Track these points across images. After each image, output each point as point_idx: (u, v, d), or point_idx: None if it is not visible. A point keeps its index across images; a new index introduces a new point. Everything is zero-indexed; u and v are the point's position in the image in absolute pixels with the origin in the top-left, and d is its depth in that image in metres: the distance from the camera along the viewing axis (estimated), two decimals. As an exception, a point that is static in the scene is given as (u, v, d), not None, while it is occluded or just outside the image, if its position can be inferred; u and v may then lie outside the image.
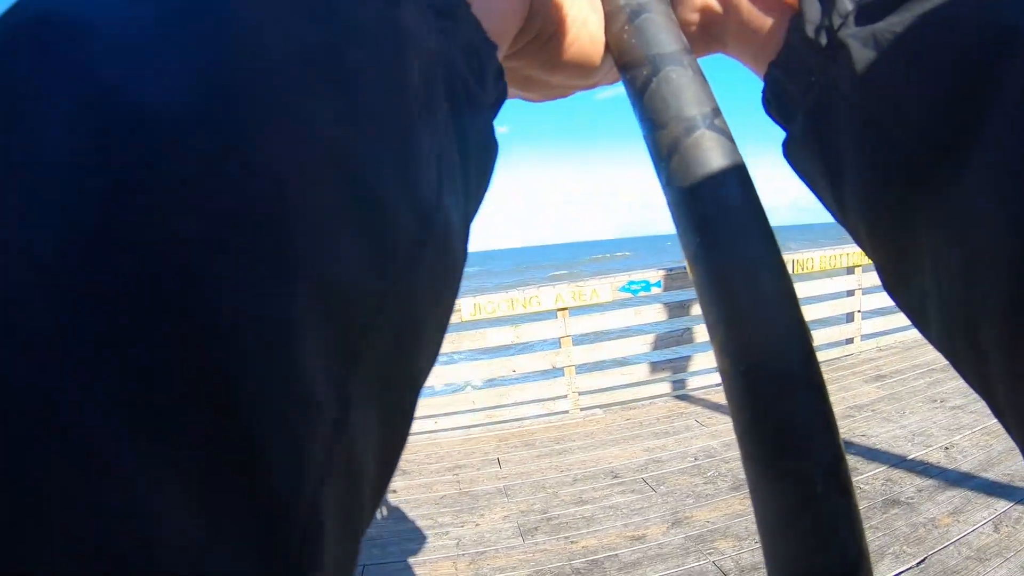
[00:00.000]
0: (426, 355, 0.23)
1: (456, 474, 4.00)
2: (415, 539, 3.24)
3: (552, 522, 3.21)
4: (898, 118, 0.23)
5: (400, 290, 0.19)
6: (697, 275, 0.29)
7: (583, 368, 5.17)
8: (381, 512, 3.64)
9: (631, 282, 5.01)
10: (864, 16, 0.25)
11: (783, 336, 0.27)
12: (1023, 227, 0.19)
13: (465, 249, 0.24)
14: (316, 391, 0.15)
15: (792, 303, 0.28)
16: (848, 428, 3.78)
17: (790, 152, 0.31)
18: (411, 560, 3.02)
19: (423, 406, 4.92)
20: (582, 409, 5.00)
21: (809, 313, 4.71)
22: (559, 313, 5.00)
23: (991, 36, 0.21)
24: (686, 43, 0.32)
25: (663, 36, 0.32)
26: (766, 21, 0.31)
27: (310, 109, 0.16)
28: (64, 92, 0.13)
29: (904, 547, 2.50)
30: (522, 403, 5.06)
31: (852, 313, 5.43)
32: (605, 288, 5.01)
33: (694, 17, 0.34)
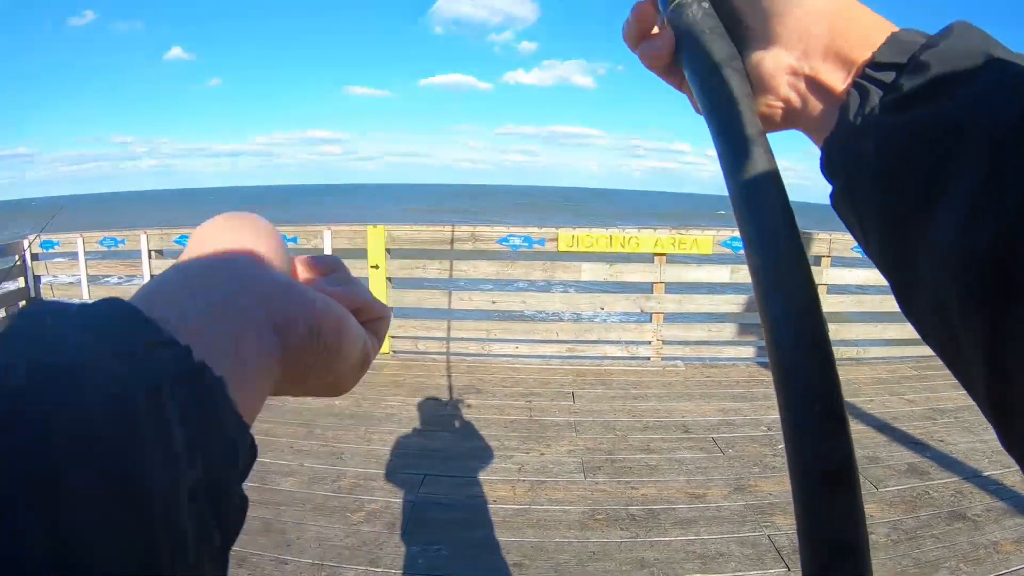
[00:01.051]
0: None
1: (529, 401, 4.32)
2: (479, 457, 3.56)
3: (616, 464, 3.45)
4: (898, 183, 0.37)
5: None
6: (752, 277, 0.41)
7: (671, 318, 5.34)
8: (452, 424, 4.04)
9: (734, 238, 5.05)
10: (885, 110, 0.39)
11: (803, 343, 0.36)
12: (966, 246, 0.31)
13: None
14: None
15: (817, 318, 0.37)
16: (926, 430, 3.83)
17: (835, 203, 0.43)
18: (471, 477, 3.34)
19: (505, 329, 5.25)
20: (663, 359, 5.20)
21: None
22: (656, 258, 5.13)
23: (948, 129, 0.34)
24: (760, 128, 0.44)
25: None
26: (824, 109, 0.44)
27: None
28: None
29: (961, 564, 2.56)
30: (605, 342, 5.30)
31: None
32: (707, 240, 5.09)
33: (776, 107, 0.47)
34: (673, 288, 5.31)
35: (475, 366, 5.07)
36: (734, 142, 0.43)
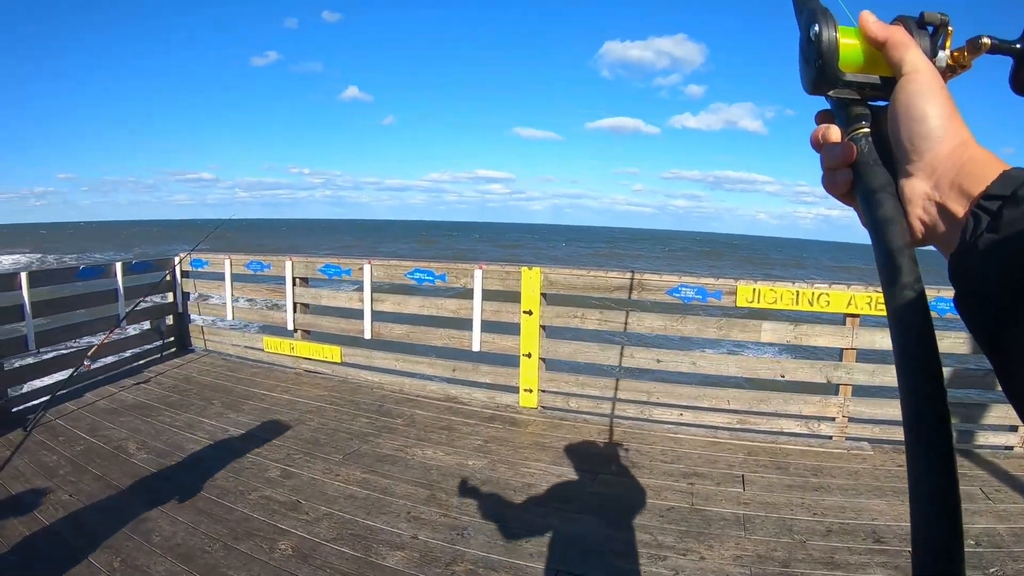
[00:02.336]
0: None
1: (691, 483, 3.98)
2: (625, 554, 3.21)
3: (793, 580, 3.00)
4: (989, 298, 0.50)
5: None
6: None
7: (861, 390, 4.84)
8: (598, 505, 3.80)
9: (939, 299, 4.58)
10: (990, 233, 0.51)
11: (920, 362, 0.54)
12: None
13: None
14: None
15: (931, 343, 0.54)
16: None
17: (956, 305, 0.55)
18: (614, 580, 2.99)
19: (669, 392, 4.99)
20: (848, 439, 4.72)
21: None
22: (848, 320, 4.69)
23: None
24: (908, 241, 0.60)
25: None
26: (951, 230, 0.58)
27: None
28: None
29: None
30: (782, 415, 4.87)
31: None
32: None
33: (917, 226, 0.62)
34: (866, 356, 4.88)
35: (632, 432, 4.79)
36: (890, 252, 0.59)
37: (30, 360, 5.80)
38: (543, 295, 5.15)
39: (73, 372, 4.37)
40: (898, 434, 4.75)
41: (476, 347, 5.42)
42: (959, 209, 0.57)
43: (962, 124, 0.61)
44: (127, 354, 6.78)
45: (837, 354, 4.81)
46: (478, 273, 5.35)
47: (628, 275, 5.00)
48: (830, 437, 4.80)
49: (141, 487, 3.87)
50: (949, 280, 0.55)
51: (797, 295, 4.69)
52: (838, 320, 4.77)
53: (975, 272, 0.52)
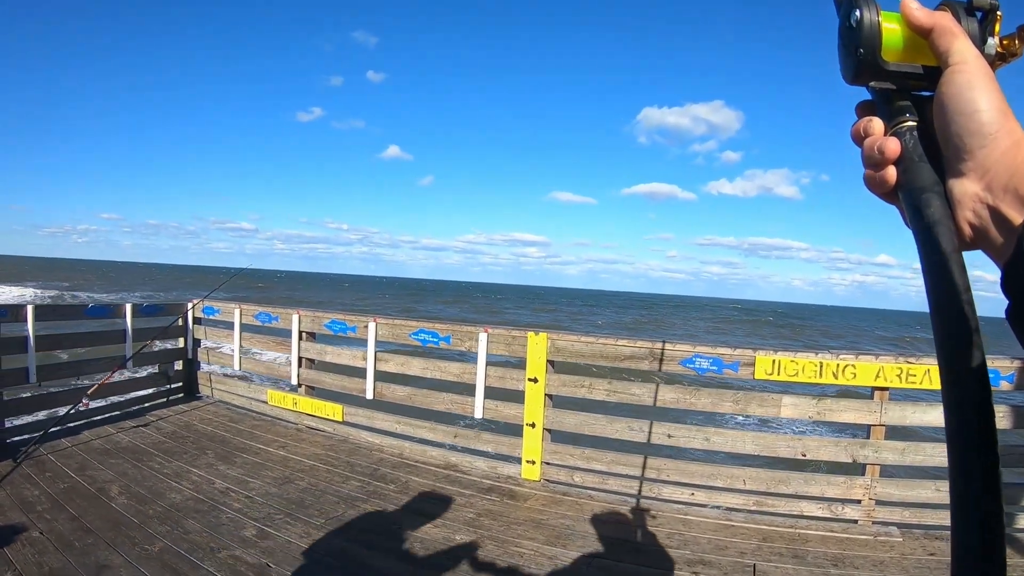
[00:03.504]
0: None
1: (696, 573, 3.70)
2: None
3: None
4: None
5: None
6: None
7: (889, 471, 4.57)
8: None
9: None
10: None
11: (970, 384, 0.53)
12: None
13: None
14: None
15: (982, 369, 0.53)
16: None
17: (1010, 318, 0.52)
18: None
19: (680, 470, 4.74)
20: (875, 523, 4.42)
21: None
22: (877, 393, 4.42)
23: None
24: (956, 245, 0.57)
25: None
26: (1005, 236, 0.56)
27: None
28: None
29: None
30: (803, 497, 4.59)
31: None
32: None
33: (965, 229, 0.59)
34: (896, 433, 4.58)
35: (638, 511, 4.53)
36: (936, 257, 0.56)
37: (30, 393, 5.80)
38: (550, 362, 4.98)
39: (70, 409, 4.38)
40: (930, 518, 4.47)
41: (479, 414, 5.25)
42: (1015, 215, 0.54)
43: (1015, 120, 0.57)
44: (132, 396, 6.81)
45: (865, 431, 4.54)
46: (483, 336, 5.19)
47: (639, 344, 4.80)
48: (855, 521, 4.50)
49: (113, 532, 3.79)
50: (1002, 290, 0.52)
51: (821, 367, 4.45)
52: (866, 394, 4.50)
53: None
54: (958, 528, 0.50)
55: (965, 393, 0.52)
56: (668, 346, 4.76)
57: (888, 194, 0.64)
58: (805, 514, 4.57)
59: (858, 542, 4.22)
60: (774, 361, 4.50)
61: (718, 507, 4.69)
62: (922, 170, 0.60)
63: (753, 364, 4.55)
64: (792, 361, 4.48)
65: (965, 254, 0.58)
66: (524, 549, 3.91)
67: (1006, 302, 0.51)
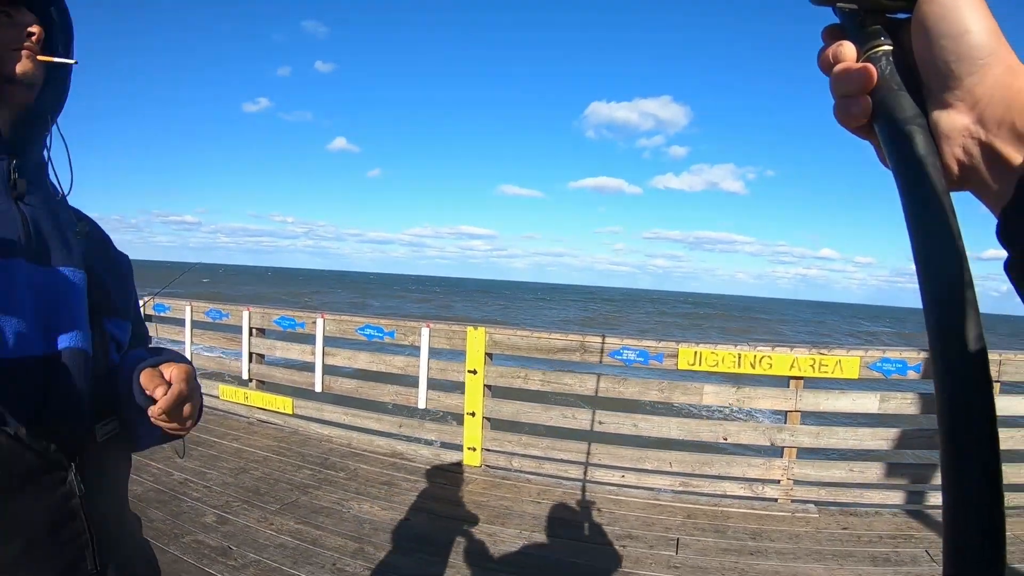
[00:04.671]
0: None
1: (623, 546, 4.03)
2: None
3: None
4: None
5: None
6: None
7: (806, 453, 4.92)
8: (525, 568, 3.80)
9: (885, 360, 4.65)
10: None
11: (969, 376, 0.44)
12: None
13: None
14: None
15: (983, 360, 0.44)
16: None
17: (1009, 270, 0.46)
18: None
19: (611, 454, 5.06)
20: (793, 501, 4.78)
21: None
22: (792, 382, 4.77)
23: None
24: (945, 187, 0.49)
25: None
26: (1000, 177, 0.48)
27: None
28: None
29: None
30: (725, 478, 4.94)
31: None
32: (853, 362, 4.67)
33: (952, 167, 0.52)
34: (811, 418, 4.94)
35: (572, 493, 4.85)
36: (920, 197, 0.49)
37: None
38: (488, 355, 5.24)
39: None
40: (845, 496, 4.83)
41: (422, 404, 5.49)
42: (1013, 154, 0.48)
43: (1007, 44, 0.50)
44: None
45: (782, 417, 4.90)
46: (425, 331, 5.45)
47: (570, 337, 5.10)
48: (775, 500, 4.85)
49: None
50: (998, 240, 0.47)
51: (739, 358, 4.79)
52: (783, 383, 4.85)
53: None
54: (955, 538, 0.43)
55: (962, 373, 0.44)
56: (597, 339, 5.09)
57: (862, 128, 0.56)
58: (728, 493, 4.92)
59: (776, 518, 4.58)
60: (696, 352, 4.83)
61: (647, 488, 5.02)
62: (902, 100, 0.53)
63: (677, 355, 4.87)
64: (712, 352, 4.82)
65: None
66: (466, 528, 4.20)
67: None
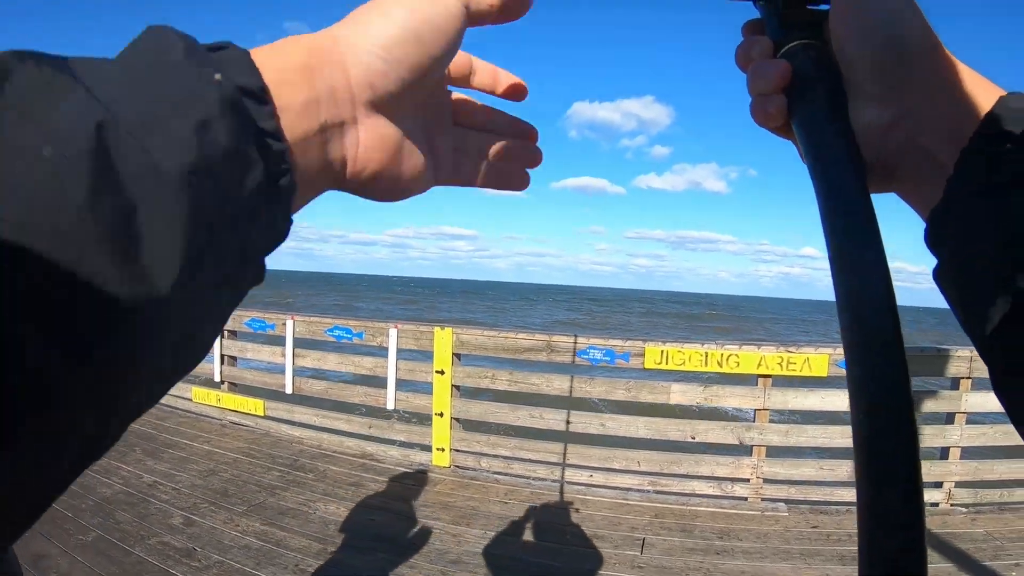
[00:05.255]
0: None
1: (589, 546, 4.03)
2: None
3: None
4: (1007, 276, 0.38)
5: None
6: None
7: (775, 452, 4.92)
8: (488, 569, 3.82)
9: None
10: (995, 190, 0.40)
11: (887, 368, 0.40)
12: None
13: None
14: None
15: (904, 387, 0.40)
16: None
17: (938, 277, 0.45)
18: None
19: (579, 454, 5.05)
20: (763, 499, 4.79)
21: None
22: (760, 380, 4.78)
23: None
24: (864, 186, 0.46)
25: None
26: (928, 176, 0.46)
27: None
28: None
29: None
30: (694, 477, 4.94)
31: None
32: (821, 360, 4.68)
33: (874, 165, 0.49)
34: (779, 416, 4.95)
35: (540, 493, 4.84)
36: (837, 198, 0.45)
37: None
38: (456, 355, 5.23)
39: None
40: (815, 494, 4.83)
41: (391, 405, 5.47)
42: (941, 149, 0.45)
43: (934, 34, 0.46)
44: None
45: (750, 416, 4.91)
46: (393, 332, 5.43)
47: (537, 337, 5.09)
48: (745, 499, 4.85)
49: (48, 525, 3.93)
50: (927, 245, 0.46)
51: (706, 356, 4.79)
52: (751, 381, 4.85)
53: (969, 235, 0.42)
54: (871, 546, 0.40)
55: (879, 381, 0.40)
56: (564, 338, 5.08)
57: (781, 128, 0.53)
58: (697, 492, 4.92)
59: (745, 517, 4.57)
60: (662, 351, 4.83)
61: (616, 488, 5.01)
62: (819, 97, 0.49)
63: (643, 354, 4.87)
64: (679, 351, 4.82)
65: None
66: (431, 528, 4.18)
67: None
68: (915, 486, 0.38)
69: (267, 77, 0.36)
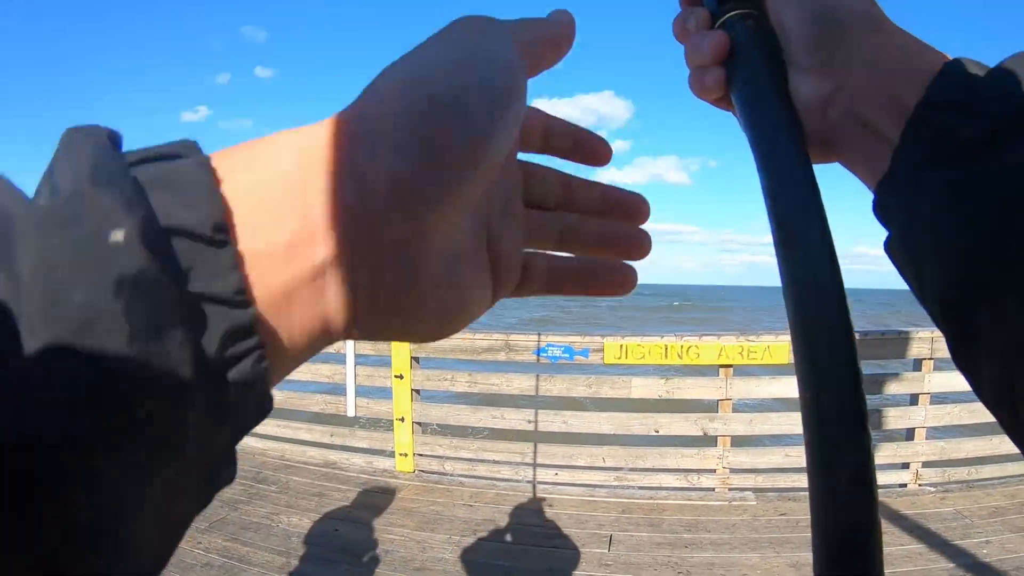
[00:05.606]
0: None
1: (554, 545, 3.98)
2: None
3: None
4: (960, 246, 0.37)
5: None
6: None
7: (740, 441, 4.92)
8: (446, 568, 3.78)
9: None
10: (942, 160, 0.38)
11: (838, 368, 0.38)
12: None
13: None
14: None
15: (854, 372, 0.38)
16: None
17: (889, 249, 0.43)
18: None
19: (543, 453, 5.00)
20: (731, 489, 4.77)
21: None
22: (721, 371, 4.76)
23: (1008, 196, 0.34)
24: (807, 157, 0.44)
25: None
26: (873, 148, 0.44)
27: None
28: None
29: None
30: (660, 470, 4.91)
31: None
32: (781, 348, 4.65)
33: (815, 136, 0.47)
34: (743, 406, 4.93)
35: (506, 494, 4.78)
36: (777, 171, 0.44)
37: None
38: (414, 359, 5.16)
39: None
40: (782, 482, 4.82)
41: (351, 412, 5.39)
42: (884, 121, 0.43)
43: (876, 4, 0.45)
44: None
45: (713, 406, 4.89)
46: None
47: (494, 337, 5.03)
48: (712, 489, 4.83)
49: None
50: (875, 215, 0.45)
51: (666, 349, 4.76)
52: (712, 372, 4.84)
53: (919, 207, 0.39)
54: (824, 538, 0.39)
55: (828, 361, 0.38)
56: (522, 337, 5.04)
57: (720, 100, 0.52)
58: (664, 485, 4.89)
59: (713, 508, 4.55)
60: (621, 346, 4.79)
61: (582, 485, 4.97)
62: (758, 69, 0.48)
63: (602, 350, 4.83)
64: (639, 345, 4.79)
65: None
66: (395, 535, 4.11)
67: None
68: (866, 465, 0.38)
69: (233, 202, 0.24)
